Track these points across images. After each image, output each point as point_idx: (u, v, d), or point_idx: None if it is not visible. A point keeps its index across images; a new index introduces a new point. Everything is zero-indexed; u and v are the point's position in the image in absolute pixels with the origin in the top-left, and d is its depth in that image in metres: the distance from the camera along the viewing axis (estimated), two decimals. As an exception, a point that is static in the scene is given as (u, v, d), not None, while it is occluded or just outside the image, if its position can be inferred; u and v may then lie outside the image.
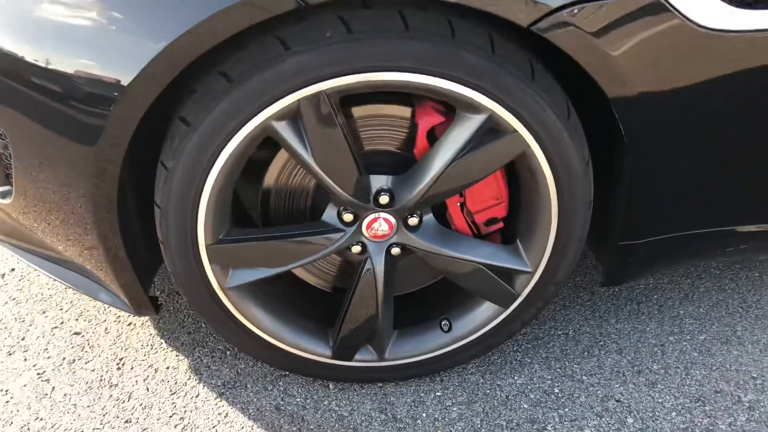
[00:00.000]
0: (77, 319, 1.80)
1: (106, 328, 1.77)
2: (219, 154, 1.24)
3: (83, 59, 1.17)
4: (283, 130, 1.24)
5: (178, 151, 1.24)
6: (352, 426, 1.52)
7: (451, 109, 1.29)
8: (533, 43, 1.24)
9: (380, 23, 1.16)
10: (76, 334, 1.76)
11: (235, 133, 1.22)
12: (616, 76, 1.21)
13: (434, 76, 1.19)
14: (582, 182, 1.34)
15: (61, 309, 1.84)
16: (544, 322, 1.79)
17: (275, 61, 1.16)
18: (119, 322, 1.79)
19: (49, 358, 1.69)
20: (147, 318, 1.79)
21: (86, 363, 1.68)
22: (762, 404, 1.57)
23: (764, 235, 1.51)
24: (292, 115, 1.22)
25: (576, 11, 1.14)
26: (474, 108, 1.24)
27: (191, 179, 1.26)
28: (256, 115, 1.20)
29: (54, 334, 1.76)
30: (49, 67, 1.18)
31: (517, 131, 1.26)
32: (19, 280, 1.92)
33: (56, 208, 1.34)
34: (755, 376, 1.64)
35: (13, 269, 1.97)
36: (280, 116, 1.21)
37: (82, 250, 1.40)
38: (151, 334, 1.75)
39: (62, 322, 1.79)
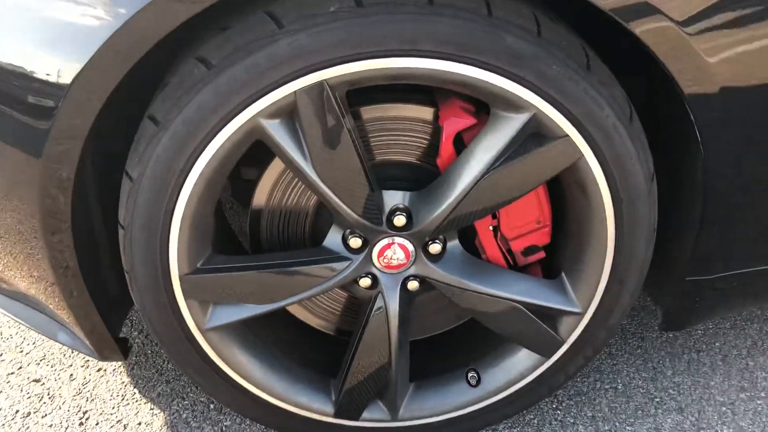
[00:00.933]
0: (38, 364, 1.62)
1: (71, 375, 1.59)
2: (196, 160, 1.08)
3: (16, 45, 1.02)
4: (276, 131, 1.08)
5: (145, 157, 1.09)
6: (357, 501, 1.35)
7: (483, 108, 1.17)
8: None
9: (398, -5, 1.02)
10: (36, 381, 1.58)
11: (216, 134, 1.07)
12: (701, 72, 1.05)
13: (464, 63, 1.04)
14: (645, 202, 1.18)
15: (21, 351, 1.66)
16: (588, 375, 1.62)
17: (265, 43, 1.01)
18: (87, 367, 1.61)
19: (-1, 410, 1.49)
20: (120, 363, 1.61)
21: (43, 417, 1.50)
22: None
23: None
24: (287, 112, 1.07)
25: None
26: (513, 105, 1.09)
27: (161, 192, 1.10)
28: (241, 111, 1.05)
29: (9, 381, 1.58)
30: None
31: (567, 135, 1.10)
32: (-24, 318, 1.73)
33: (22, 241, 1.20)
34: None
35: (-29, 304, 1.77)
36: (271, 113, 1.06)
37: (46, 286, 1.26)
38: (123, 383, 1.57)
39: (20, 367, 1.62)
